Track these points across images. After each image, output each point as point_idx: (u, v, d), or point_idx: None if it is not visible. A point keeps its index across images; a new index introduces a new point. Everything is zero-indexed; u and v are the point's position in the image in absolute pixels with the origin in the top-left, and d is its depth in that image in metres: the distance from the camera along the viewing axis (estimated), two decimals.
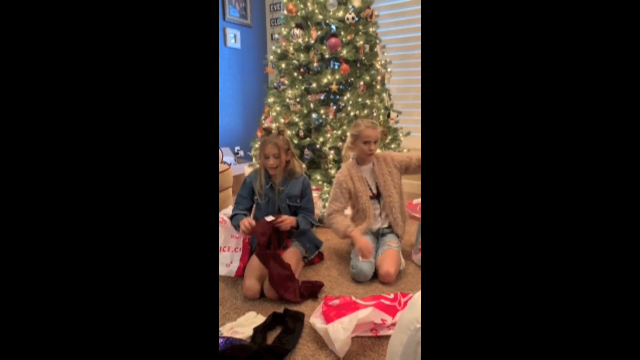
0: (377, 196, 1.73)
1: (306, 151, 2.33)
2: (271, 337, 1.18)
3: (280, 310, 1.31)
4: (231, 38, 3.35)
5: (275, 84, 2.46)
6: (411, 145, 2.58)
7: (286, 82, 2.37)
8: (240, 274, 1.56)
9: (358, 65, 2.30)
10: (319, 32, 2.28)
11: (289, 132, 2.26)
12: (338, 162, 2.31)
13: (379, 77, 2.34)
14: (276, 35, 2.50)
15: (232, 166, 2.73)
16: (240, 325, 1.23)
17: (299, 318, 1.26)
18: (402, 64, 2.97)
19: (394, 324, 1.15)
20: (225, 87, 3.36)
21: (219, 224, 1.63)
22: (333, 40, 2.21)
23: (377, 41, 2.39)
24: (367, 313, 1.13)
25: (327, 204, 1.82)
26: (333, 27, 2.32)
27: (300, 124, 2.32)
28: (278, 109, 2.38)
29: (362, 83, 2.27)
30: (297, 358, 1.10)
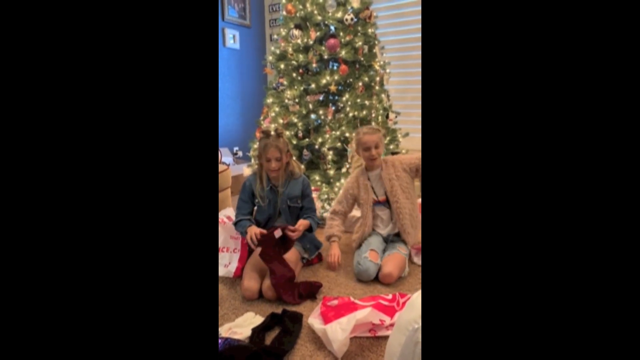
0: (386, 201, 1.71)
1: (305, 152, 2.33)
2: (269, 338, 1.18)
3: (279, 310, 1.31)
4: (230, 38, 3.35)
5: (274, 85, 2.46)
6: (410, 146, 2.58)
7: (285, 82, 2.37)
8: (239, 274, 1.56)
9: (357, 66, 2.31)
10: (318, 33, 2.28)
11: (287, 133, 2.26)
12: (337, 163, 2.31)
13: (377, 78, 2.35)
14: (275, 36, 2.50)
15: (231, 167, 2.73)
16: (238, 325, 1.23)
17: (298, 319, 1.26)
18: (400, 65, 2.97)
19: (392, 325, 1.15)
20: (224, 88, 3.36)
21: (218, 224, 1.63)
22: (332, 41, 2.22)
23: (376, 42, 2.39)
24: (365, 313, 1.13)
25: (332, 203, 1.86)
26: (332, 28, 2.32)
27: (299, 124, 2.32)
28: (277, 109, 2.38)
29: (360, 84, 2.27)
30: (295, 359, 1.10)
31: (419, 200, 1.89)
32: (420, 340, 0.74)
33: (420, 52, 2.88)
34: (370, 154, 1.65)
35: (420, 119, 2.80)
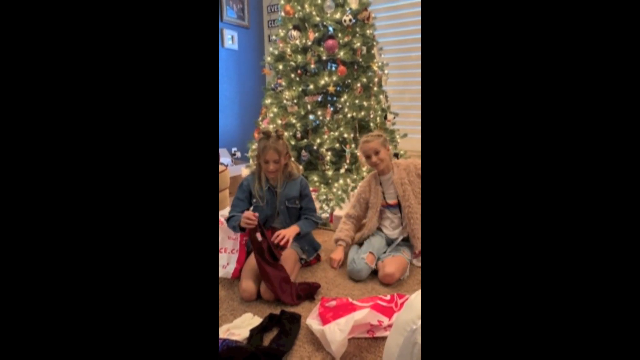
0: (397, 205, 1.72)
1: (303, 153, 2.34)
2: (268, 339, 1.17)
3: (277, 311, 1.31)
4: (228, 39, 3.35)
5: (272, 86, 2.46)
6: (408, 147, 2.59)
7: (283, 83, 2.37)
8: (237, 275, 1.56)
9: (355, 67, 2.31)
10: (317, 34, 2.28)
11: (286, 134, 2.26)
12: (335, 164, 2.31)
13: (376, 79, 2.35)
14: (273, 37, 2.50)
15: (229, 167, 2.73)
16: (236, 327, 1.23)
17: (296, 319, 1.25)
18: (399, 65, 2.98)
19: (390, 325, 1.15)
20: (222, 89, 3.36)
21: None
22: (330, 42, 2.22)
23: (374, 43, 2.40)
24: (363, 314, 1.13)
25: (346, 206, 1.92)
26: (330, 29, 2.33)
27: (298, 125, 2.32)
28: (275, 110, 2.38)
29: (359, 85, 2.28)
30: None
31: None
32: (418, 341, 0.74)
33: (418, 53, 2.89)
34: (371, 162, 1.67)
35: (418, 119, 2.81)
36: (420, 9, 2.81)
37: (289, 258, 1.55)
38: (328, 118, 2.28)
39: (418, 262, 1.72)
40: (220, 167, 2.41)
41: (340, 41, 2.24)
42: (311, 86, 2.31)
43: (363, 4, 2.28)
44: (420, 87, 2.81)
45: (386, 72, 2.51)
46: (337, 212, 2.17)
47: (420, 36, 2.82)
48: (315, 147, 2.31)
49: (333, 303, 1.27)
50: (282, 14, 2.38)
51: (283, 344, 1.13)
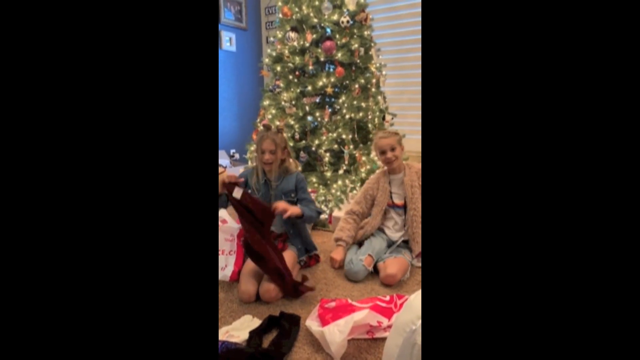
0: (403, 206, 1.72)
1: (302, 154, 2.34)
2: (267, 341, 1.17)
3: (276, 313, 1.31)
4: (226, 41, 3.35)
5: (270, 87, 2.47)
6: (407, 147, 2.58)
7: (281, 85, 2.38)
8: (235, 278, 1.55)
9: (353, 68, 2.31)
10: (314, 35, 2.29)
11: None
12: (334, 165, 2.31)
13: (373, 80, 2.35)
14: (271, 39, 2.50)
15: (228, 169, 2.73)
16: (235, 329, 1.23)
17: (295, 321, 1.25)
18: (397, 66, 2.98)
19: (390, 326, 1.15)
20: (220, 90, 3.36)
21: None
22: (328, 43, 2.22)
23: (372, 44, 2.40)
24: (363, 315, 1.13)
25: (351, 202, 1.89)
26: (328, 30, 2.33)
27: (296, 126, 2.32)
28: (273, 111, 2.38)
29: (357, 86, 2.28)
30: None
31: None
32: (417, 341, 0.74)
33: (416, 54, 2.89)
34: (386, 157, 1.67)
35: (416, 120, 2.82)
36: (417, 10, 2.82)
37: (288, 259, 1.55)
38: (326, 119, 2.29)
39: (418, 263, 1.73)
40: (219, 169, 2.41)
41: (338, 42, 2.24)
42: (309, 87, 2.31)
43: (360, 5, 2.29)
44: (419, 88, 2.83)
45: (384, 73, 2.52)
46: (336, 213, 2.17)
47: (418, 37, 2.83)
48: (313, 149, 2.31)
49: (332, 304, 1.26)
50: (280, 15, 2.38)
51: (282, 345, 1.13)
